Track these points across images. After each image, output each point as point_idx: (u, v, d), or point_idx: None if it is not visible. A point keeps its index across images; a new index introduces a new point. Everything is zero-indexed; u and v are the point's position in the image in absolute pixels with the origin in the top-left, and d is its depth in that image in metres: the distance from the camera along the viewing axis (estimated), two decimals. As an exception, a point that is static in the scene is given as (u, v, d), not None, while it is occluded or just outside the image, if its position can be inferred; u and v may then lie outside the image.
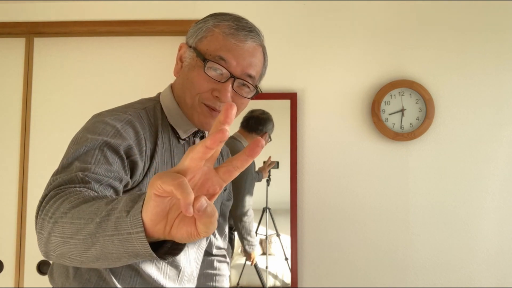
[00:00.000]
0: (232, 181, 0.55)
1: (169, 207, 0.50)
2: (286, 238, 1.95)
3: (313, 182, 1.95)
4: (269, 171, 1.98)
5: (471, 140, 1.94)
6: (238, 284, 1.95)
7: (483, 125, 1.93)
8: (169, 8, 2.03)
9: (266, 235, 2.00)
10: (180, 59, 0.98)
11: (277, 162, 1.98)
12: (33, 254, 2.02)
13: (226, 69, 0.90)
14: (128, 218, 0.52)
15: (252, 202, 1.96)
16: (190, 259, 1.03)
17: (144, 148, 0.87)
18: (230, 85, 0.91)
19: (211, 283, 1.21)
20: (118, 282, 0.90)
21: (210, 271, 1.21)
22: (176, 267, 0.98)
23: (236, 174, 0.55)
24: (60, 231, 0.61)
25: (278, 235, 1.99)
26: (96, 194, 0.68)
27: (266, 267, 1.97)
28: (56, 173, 0.76)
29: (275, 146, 2.00)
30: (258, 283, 1.96)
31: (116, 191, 0.78)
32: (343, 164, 1.95)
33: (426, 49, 1.96)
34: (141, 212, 0.51)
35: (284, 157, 1.95)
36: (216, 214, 0.49)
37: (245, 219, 1.91)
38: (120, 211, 0.54)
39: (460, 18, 1.96)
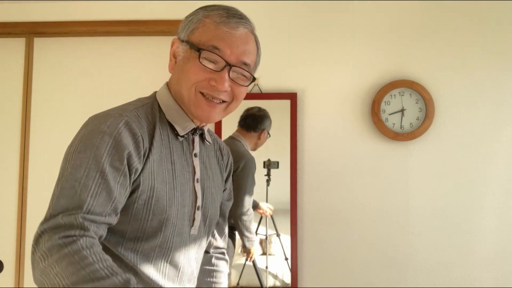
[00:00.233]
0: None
1: None
2: (286, 238, 1.95)
3: (313, 182, 1.95)
4: (269, 170, 1.98)
5: (471, 140, 1.94)
6: (238, 284, 1.95)
7: (483, 125, 1.93)
8: (169, 8, 2.03)
9: (266, 235, 2.00)
10: (173, 55, 0.97)
11: (277, 162, 1.98)
12: (33, 254, 2.02)
13: (221, 57, 0.89)
14: None
15: (252, 201, 1.96)
16: (191, 258, 1.02)
17: (141, 149, 0.87)
18: (227, 74, 0.90)
19: (209, 279, 1.21)
20: None
21: (207, 267, 1.20)
22: (176, 266, 0.97)
23: None
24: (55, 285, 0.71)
25: (278, 235, 1.99)
26: (95, 261, 0.74)
27: (266, 267, 1.97)
28: (57, 198, 0.78)
29: (275, 146, 2.00)
30: (258, 283, 1.96)
31: (110, 224, 0.84)
32: (343, 164, 1.95)
33: (426, 49, 1.96)
34: None
35: (284, 157, 1.95)
36: None
37: (245, 218, 1.91)
38: None
39: (460, 18, 1.96)
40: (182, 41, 0.94)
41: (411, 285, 1.90)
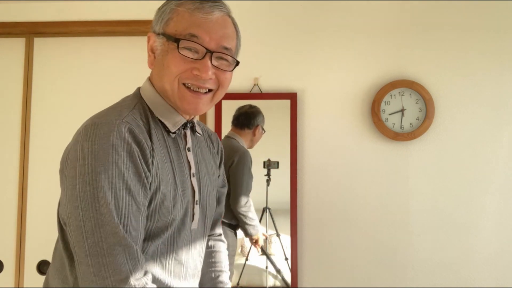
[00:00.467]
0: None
1: None
2: (286, 238, 1.95)
3: (313, 182, 1.95)
4: (269, 170, 1.98)
5: (471, 140, 1.93)
6: (238, 284, 1.95)
7: (483, 125, 1.93)
8: (169, 8, 2.02)
9: (266, 236, 2.00)
10: (151, 50, 0.94)
11: (277, 162, 1.98)
12: (33, 254, 2.02)
13: (200, 45, 0.87)
14: None
15: (251, 193, 1.98)
16: (193, 253, 1.01)
17: (148, 156, 0.86)
18: (209, 61, 0.88)
19: (209, 260, 1.20)
20: None
21: (206, 250, 1.19)
22: (180, 263, 0.97)
23: None
24: None
25: (278, 235, 1.99)
26: None
27: (266, 267, 1.97)
28: (113, 256, 0.77)
29: (275, 146, 2.00)
30: (258, 283, 1.96)
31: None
32: (343, 164, 1.95)
33: (426, 49, 1.96)
34: None
35: (284, 157, 1.95)
36: None
37: (244, 209, 1.93)
38: None
39: (460, 18, 1.96)
40: (158, 34, 0.91)
41: (411, 285, 1.90)
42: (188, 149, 0.99)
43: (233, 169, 1.92)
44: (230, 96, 1.98)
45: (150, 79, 0.97)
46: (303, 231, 1.94)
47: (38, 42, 2.12)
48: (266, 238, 1.98)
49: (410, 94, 1.94)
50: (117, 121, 0.83)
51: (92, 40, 2.10)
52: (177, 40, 0.86)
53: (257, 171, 1.98)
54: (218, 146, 1.16)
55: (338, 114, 1.97)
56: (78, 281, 0.79)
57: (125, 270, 0.76)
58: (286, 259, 1.95)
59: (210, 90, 0.93)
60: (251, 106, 1.99)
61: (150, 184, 0.86)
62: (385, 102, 1.94)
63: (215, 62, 0.90)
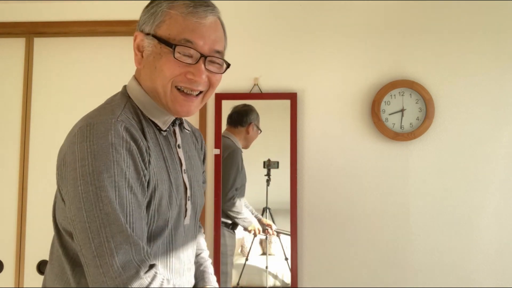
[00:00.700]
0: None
1: None
2: (286, 238, 1.95)
3: (313, 182, 1.95)
4: (269, 170, 1.99)
5: (471, 140, 1.93)
6: (238, 284, 1.95)
7: (483, 125, 1.93)
8: (169, 8, 2.02)
9: (266, 235, 2.00)
10: (137, 49, 0.94)
11: (277, 162, 1.98)
12: (33, 254, 2.02)
13: (195, 50, 0.88)
14: None
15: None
16: (188, 247, 1.03)
17: (145, 154, 0.87)
18: (202, 65, 0.90)
19: None
20: None
21: None
22: (179, 258, 0.98)
23: None
24: None
25: (278, 235, 1.99)
26: None
27: (266, 267, 1.98)
28: (115, 244, 0.77)
29: (275, 146, 2.00)
30: (258, 283, 1.96)
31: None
32: (343, 164, 1.95)
33: (426, 49, 1.96)
34: None
35: (284, 157, 1.95)
36: None
37: (228, 205, 1.96)
38: None
39: (460, 18, 1.96)
40: (147, 34, 0.91)
41: (411, 285, 1.90)
42: (178, 146, 1.00)
43: (224, 162, 1.94)
44: (230, 96, 1.98)
45: (136, 78, 0.97)
46: (303, 231, 1.94)
47: (38, 42, 2.12)
48: (270, 227, 1.99)
49: (410, 94, 1.94)
50: (112, 120, 0.83)
51: (92, 40, 2.10)
52: (172, 46, 0.87)
53: (257, 171, 1.98)
54: (201, 142, 1.18)
55: (338, 114, 1.97)
56: (89, 283, 0.79)
57: (134, 266, 0.77)
58: (286, 259, 1.95)
59: (200, 92, 0.95)
60: (245, 105, 2.00)
61: (148, 182, 0.87)
62: (385, 102, 1.94)
63: (208, 66, 0.91)
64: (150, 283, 0.77)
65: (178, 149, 1.00)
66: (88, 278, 0.79)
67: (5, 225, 2.06)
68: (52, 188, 0.83)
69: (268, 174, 1.98)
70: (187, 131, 1.08)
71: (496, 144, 1.92)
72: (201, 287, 1.12)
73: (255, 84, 1.98)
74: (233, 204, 1.97)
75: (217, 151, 1.96)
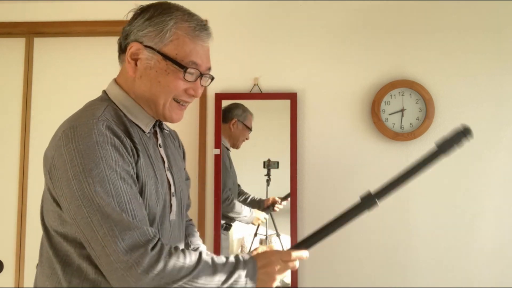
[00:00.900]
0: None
1: None
2: (286, 238, 1.95)
3: (313, 182, 1.95)
4: (269, 170, 1.98)
5: (471, 140, 1.93)
6: (238, 284, 1.95)
7: (483, 125, 1.93)
8: (169, 8, 2.03)
9: (266, 235, 2.00)
10: (132, 58, 1.00)
11: (277, 162, 1.98)
12: (33, 254, 2.02)
13: (197, 70, 0.99)
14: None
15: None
16: (175, 242, 1.08)
17: (129, 149, 0.92)
18: (199, 82, 1.01)
19: (184, 242, 1.29)
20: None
21: None
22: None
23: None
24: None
25: (278, 235, 1.99)
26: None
27: (266, 267, 1.97)
28: (119, 231, 0.82)
29: (275, 146, 2.00)
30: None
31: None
32: (343, 164, 1.95)
33: (426, 49, 1.96)
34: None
35: (284, 157, 1.95)
36: None
37: (225, 209, 1.96)
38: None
39: (460, 18, 1.96)
40: (149, 47, 0.97)
41: (411, 285, 1.90)
42: (160, 146, 1.08)
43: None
44: (230, 96, 1.98)
45: (118, 83, 1.03)
46: (303, 231, 1.94)
47: (38, 42, 2.12)
48: (276, 202, 1.98)
49: (410, 94, 1.94)
50: (94, 121, 0.88)
51: (92, 40, 2.10)
52: (184, 67, 0.96)
53: (257, 171, 1.98)
54: (178, 141, 1.25)
55: (338, 114, 1.97)
56: (104, 274, 0.84)
57: (141, 246, 0.82)
58: (286, 259, 1.95)
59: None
60: (231, 104, 1.99)
61: (138, 178, 0.92)
62: (385, 102, 1.94)
63: (202, 82, 1.02)
64: (160, 255, 0.83)
65: (160, 148, 1.07)
66: (102, 268, 0.84)
67: (5, 225, 2.06)
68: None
69: (268, 174, 1.98)
70: (166, 131, 1.15)
71: (496, 144, 1.92)
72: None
73: (255, 84, 1.98)
74: (233, 206, 1.97)
75: (217, 151, 1.96)
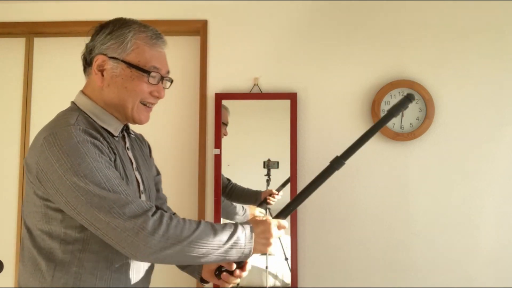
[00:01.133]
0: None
1: None
2: (286, 238, 1.95)
3: (313, 182, 1.95)
4: (269, 170, 1.99)
5: (471, 140, 1.93)
6: (238, 284, 1.95)
7: (483, 125, 1.93)
8: (169, 8, 2.03)
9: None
10: (99, 70, 1.08)
11: (277, 162, 1.98)
12: (33, 254, 2.03)
13: (158, 73, 1.10)
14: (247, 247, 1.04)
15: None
16: None
17: (106, 151, 1.00)
18: (161, 84, 1.12)
19: None
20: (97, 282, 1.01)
21: None
22: None
23: None
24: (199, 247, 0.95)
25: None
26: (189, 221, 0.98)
27: (266, 267, 1.97)
28: (118, 205, 0.91)
29: (275, 146, 2.00)
30: (258, 283, 1.96)
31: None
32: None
33: (426, 49, 1.96)
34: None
35: (284, 157, 1.95)
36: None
37: (234, 212, 1.98)
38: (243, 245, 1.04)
39: (460, 18, 1.96)
40: (113, 58, 1.07)
41: (411, 285, 1.90)
42: (127, 148, 1.16)
43: None
44: (230, 96, 1.98)
45: (85, 94, 1.13)
46: (303, 231, 1.94)
47: (38, 42, 2.12)
48: (272, 194, 1.99)
49: (410, 94, 1.94)
50: (71, 126, 0.98)
51: (92, 40, 2.10)
52: (147, 72, 1.07)
53: (257, 171, 1.98)
54: (144, 141, 1.33)
55: (338, 114, 1.97)
56: (116, 247, 0.92)
57: (141, 213, 0.91)
58: (286, 259, 1.95)
59: None
60: None
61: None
62: (385, 102, 1.94)
63: (164, 85, 1.13)
64: (161, 219, 0.93)
65: (128, 151, 1.15)
66: (112, 242, 0.91)
67: (5, 225, 2.06)
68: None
69: (268, 174, 1.98)
70: (132, 135, 1.23)
71: (496, 144, 1.92)
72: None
73: (255, 84, 1.98)
74: (234, 208, 1.97)
75: (217, 151, 1.96)
